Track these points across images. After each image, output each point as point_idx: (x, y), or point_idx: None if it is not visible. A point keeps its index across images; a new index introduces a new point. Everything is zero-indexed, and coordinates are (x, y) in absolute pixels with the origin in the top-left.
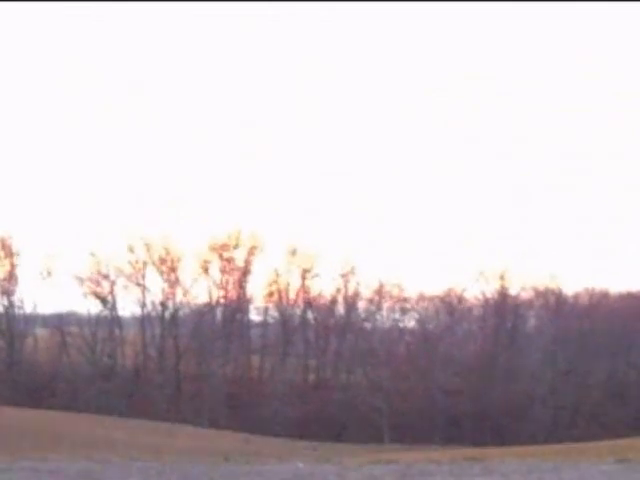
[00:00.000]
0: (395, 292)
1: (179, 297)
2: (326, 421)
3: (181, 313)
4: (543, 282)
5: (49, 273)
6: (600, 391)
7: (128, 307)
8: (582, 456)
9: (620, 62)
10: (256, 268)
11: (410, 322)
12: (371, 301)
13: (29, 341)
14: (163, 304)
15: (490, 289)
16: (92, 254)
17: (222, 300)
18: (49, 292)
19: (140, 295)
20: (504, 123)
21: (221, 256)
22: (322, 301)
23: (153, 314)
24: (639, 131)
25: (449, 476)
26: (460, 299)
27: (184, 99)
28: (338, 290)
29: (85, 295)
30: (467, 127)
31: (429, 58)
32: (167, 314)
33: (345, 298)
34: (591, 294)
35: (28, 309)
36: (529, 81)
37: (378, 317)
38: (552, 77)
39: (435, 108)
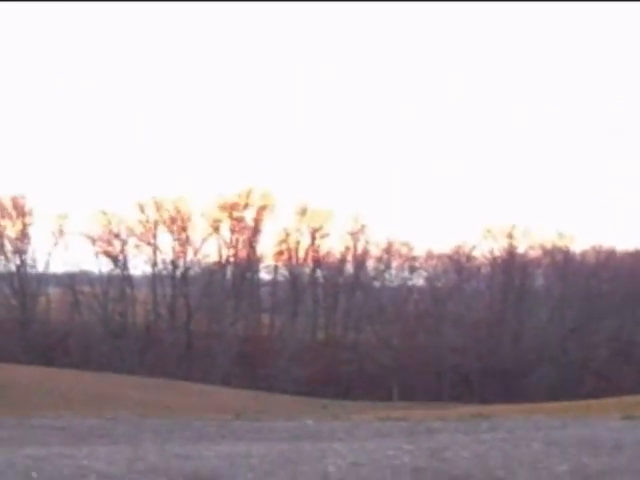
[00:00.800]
0: (404, 251)
1: (190, 256)
2: (335, 379)
3: (192, 272)
4: (551, 240)
5: (61, 232)
6: (607, 349)
7: (139, 266)
8: (589, 413)
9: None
10: (266, 227)
11: (419, 280)
12: (380, 260)
13: (41, 300)
14: (174, 263)
15: (498, 247)
16: (103, 213)
17: (232, 259)
18: (61, 251)
19: (151, 254)
20: (513, 82)
21: (231, 215)
22: (331, 260)
23: (164, 273)
24: None
25: (456, 432)
26: (468, 257)
27: (192, 55)
28: (347, 249)
29: (97, 254)
30: (475, 87)
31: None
32: (178, 273)
33: (354, 257)
34: (598, 252)
35: (40, 268)
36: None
37: (387, 276)
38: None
39: (445, 64)
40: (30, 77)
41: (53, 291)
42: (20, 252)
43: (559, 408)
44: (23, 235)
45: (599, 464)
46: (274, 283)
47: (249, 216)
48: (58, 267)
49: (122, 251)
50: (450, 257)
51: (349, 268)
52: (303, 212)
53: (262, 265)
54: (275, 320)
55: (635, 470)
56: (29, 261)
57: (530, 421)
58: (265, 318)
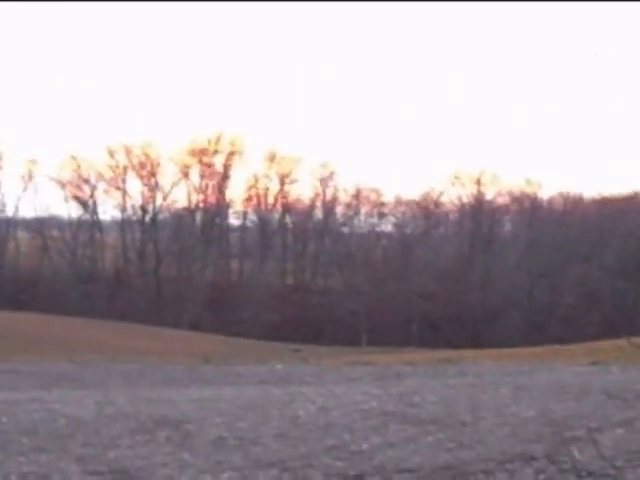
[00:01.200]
0: (372, 197)
1: (159, 201)
2: (304, 324)
3: (161, 217)
4: (519, 187)
5: (30, 177)
6: (573, 294)
7: (108, 211)
8: (556, 358)
9: None
10: (235, 173)
11: (387, 226)
12: (349, 206)
13: (11, 245)
14: (143, 208)
15: (466, 194)
16: (73, 158)
17: (201, 204)
18: (30, 196)
19: (120, 199)
20: (484, 30)
21: (201, 161)
22: (300, 206)
23: (133, 218)
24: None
25: (425, 377)
26: (437, 204)
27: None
28: (316, 195)
29: (66, 199)
30: (445, 35)
31: None
32: (147, 218)
33: (323, 203)
34: (566, 199)
35: (9, 213)
36: None
37: (356, 221)
38: None
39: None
40: None
41: (22, 236)
42: None
43: (526, 353)
44: None
45: (566, 409)
46: (243, 228)
47: (218, 162)
48: (27, 212)
49: (91, 196)
50: (418, 203)
51: (318, 214)
52: (272, 158)
53: (231, 211)
54: (244, 265)
55: (601, 415)
56: None
57: (498, 366)
58: (234, 263)
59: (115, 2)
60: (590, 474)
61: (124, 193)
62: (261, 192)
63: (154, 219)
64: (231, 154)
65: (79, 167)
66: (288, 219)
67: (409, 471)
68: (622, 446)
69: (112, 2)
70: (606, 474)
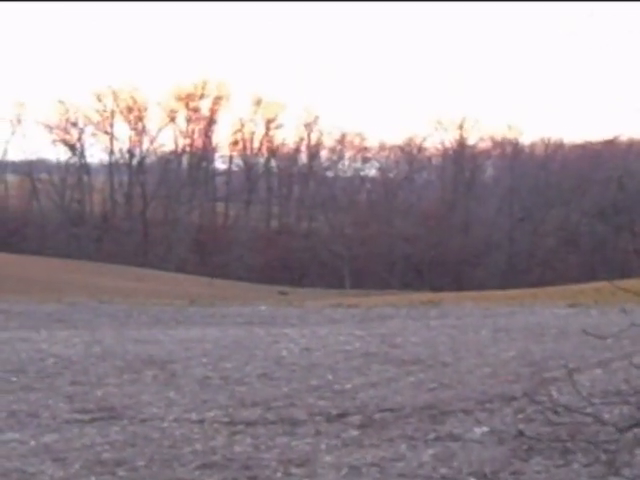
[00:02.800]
0: (357, 142)
1: (146, 145)
2: (288, 267)
3: (148, 161)
4: (501, 132)
5: (19, 121)
6: (553, 238)
7: (96, 155)
8: (536, 301)
9: None
10: (221, 118)
11: (371, 171)
12: (333, 150)
13: (0, 187)
14: (130, 152)
15: (449, 139)
16: (61, 102)
17: (188, 148)
18: (19, 139)
19: (108, 143)
20: None
21: (187, 105)
22: (285, 150)
23: (121, 162)
24: None
25: (407, 319)
26: (420, 148)
27: None
28: (301, 139)
29: (54, 142)
30: None
31: None
32: (134, 162)
33: (308, 147)
34: (547, 144)
35: None
36: None
37: (340, 166)
38: None
39: None
40: None
41: (11, 179)
42: None
43: (507, 296)
44: None
45: (545, 350)
46: (229, 172)
47: (205, 106)
48: (16, 155)
49: (79, 139)
50: (402, 148)
51: (303, 158)
52: (258, 103)
53: (217, 155)
54: (230, 209)
55: (579, 356)
56: None
57: (478, 309)
58: (220, 207)
59: None
60: (568, 412)
61: (112, 137)
62: (247, 136)
63: (141, 163)
64: (217, 99)
65: (67, 111)
66: (273, 163)
67: (391, 410)
68: (599, 386)
69: None
70: (584, 412)
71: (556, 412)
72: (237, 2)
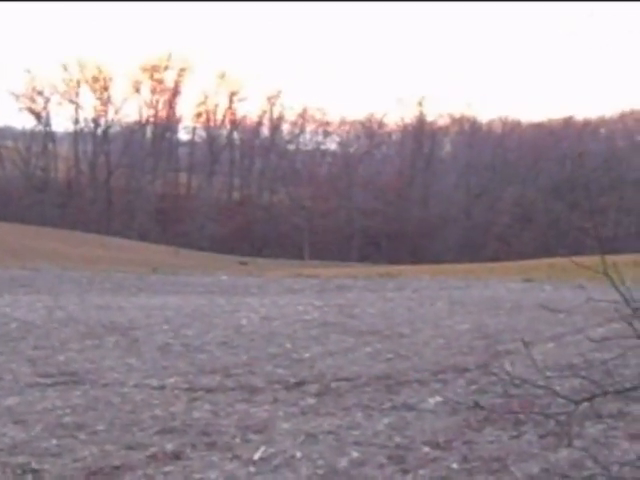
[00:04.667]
0: (318, 116)
1: (111, 115)
2: (249, 237)
3: (112, 130)
4: (459, 110)
5: None
6: (509, 214)
7: (62, 123)
8: (491, 275)
9: None
10: (186, 90)
11: (332, 145)
12: (295, 124)
13: None
14: (95, 121)
15: (409, 115)
16: (27, 71)
17: (152, 119)
18: None
19: (73, 112)
20: None
21: (152, 77)
22: (248, 123)
23: (86, 130)
24: None
25: (365, 291)
26: (380, 124)
27: None
28: (264, 113)
29: (20, 110)
30: None
31: None
32: (99, 131)
33: (270, 121)
34: (504, 123)
35: None
36: None
37: (301, 140)
38: None
39: None
40: None
41: None
42: None
43: (463, 270)
44: None
45: (499, 323)
46: (192, 144)
47: (169, 78)
48: None
49: (45, 108)
50: (362, 123)
51: (265, 131)
52: (222, 76)
53: (181, 126)
54: (192, 179)
55: (532, 329)
56: None
57: (435, 281)
58: (182, 177)
59: None
60: (522, 383)
61: (77, 106)
62: (210, 109)
63: (106, 132)
64: (182, 71)
65: (33, 80)
66: (236, 135)
67: (347, 379)
68: (552, 359)
69: None
70: (537, 385)
71: (511, 384)
72: None
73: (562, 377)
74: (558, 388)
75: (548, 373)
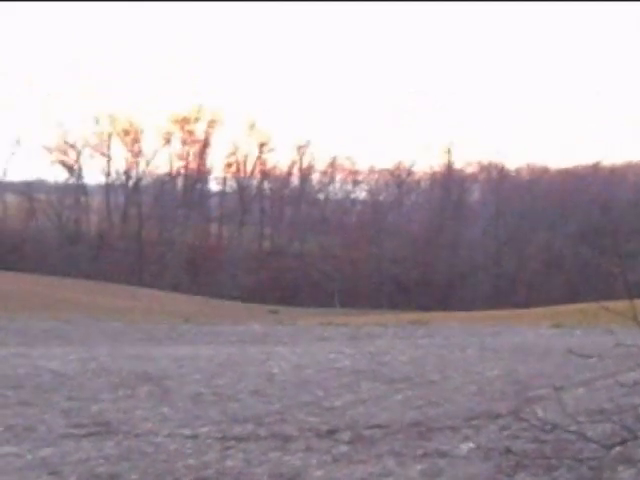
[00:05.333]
0: (347, 165)
1: (142, 167)
2: (280, 286)
3: (144, 182)
4: (487, 157)
5: (18, 142)
6: (538, 261)
7: (93, 176)
8: (521, 321)
9: None
10: (216, 141)
11: (361, 194)
12: (324, 173)
13: None
14: (127, 173)
15: (437, 163)
16: (59, 125)
17: (183, 170)
18: (18, 161)
19: (105, 165)
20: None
21: (183, 128)
22: (278, 173)
23: (117, 183)
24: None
25: (395, 338)
26: (408, 172)
27: None
28: (293, 163)
29: (52, 164)
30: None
31: None
32: (130, 183)
33: (300, 170)
34: (532, 169)
35: None
36: None
37: (331, 189)
38: None
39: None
40: None
41: (10, 199)
42: None
43: (493, 317)
44: None
45: (530, 369)
46: (223, 194)
47: (200, 130)
48: (15, 176)
49: (77, 161)
50: (391, 172)
51: (295, 181)
52: (251, 127)
53: (211, 177)
54: (223, 230)
55: (563, 375)
56: None
57: (465, 328)
58: (214, 228)
59: None
60: (554, 428)
61: (109, 159)
62: (240, 159)
63: (137, 184)
64: (212, 122)
65: (65, 133)
66: (266, 186)
67: (379, 427)
68: (583, 404)
69: None
70: (569, 430)
71: (542, 429)
72: (231, 30)
73: (593, 422)
74: (590, 433)
75: (579, 418)
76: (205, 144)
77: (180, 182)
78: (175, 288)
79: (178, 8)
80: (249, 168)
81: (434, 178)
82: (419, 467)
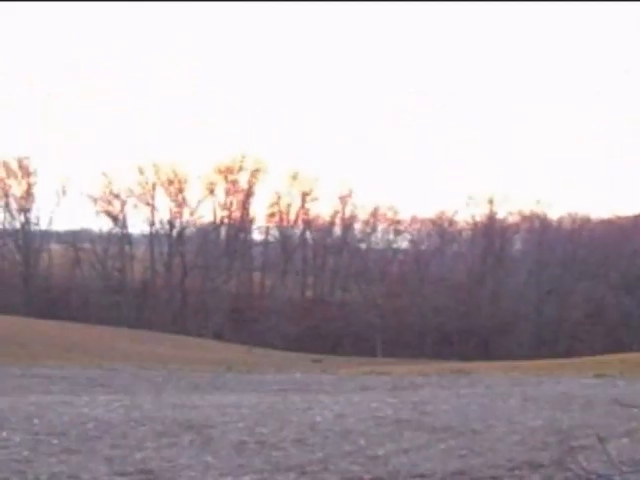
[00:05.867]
0: (389, 215)
1: (186, 216)
2: (322, 335)
3: (187, 232)
4: (529, 207)
5: (64, 192)
6: (580, 310)
7: (138, 225)
8: (563, 371)
9: None
10: (259, 190)
11: (403, 243)
12: (367, 223)
13: (44, 256)
14: (171, 223)
15: (479, 213)
16: (104, 174)
17: (226, 220)
18: (64, 210)
19: (149, 214)
20: (493, 51)
21: (226, 178)
22: (320, 222)
23: (161, 232)
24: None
25: (437, 387)
26: (451, 222)
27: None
28: (336, 212)
29: (97, 213)
30: (458, 58)
31: None
32: (174, 232)
33: (342, 220)
34: (574, 219)
35: (44, 226)
36: None
37: (373, 238)
38: None
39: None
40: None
41: (55, 248)
42: (25, 210)
43: (535, 366)
44: (28, 194)
45: (571, 419)
46: (266, 243)
47: (243, 179)
48: (61, 225)
49: (122, 210)
50: (433, 221)
51: (337, 230)
52: (294, 176)
53: (254, 226)
54: (266, 279)
55: (605, 424)
56: (33, 219)
57: (507, 378)
58: (256, 277)
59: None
60: (598, 479)
61: (153, 208)
62: (283, 209)
63: (181, 233)
64: (255, 172)
65: (110, 183)
66: (308, 235)
67: (422, 476)
68: (626, 454)
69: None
70: (613, 479)
71: (587, 479)
72: (273, 79)
73: (637, 472)
74: None
75: (624, 468)
76: (248, 194)
77: (223, 231)
78: (218, 336)
79: (221, 57)
80: (292, 217)
81: (476, 228)
82: None
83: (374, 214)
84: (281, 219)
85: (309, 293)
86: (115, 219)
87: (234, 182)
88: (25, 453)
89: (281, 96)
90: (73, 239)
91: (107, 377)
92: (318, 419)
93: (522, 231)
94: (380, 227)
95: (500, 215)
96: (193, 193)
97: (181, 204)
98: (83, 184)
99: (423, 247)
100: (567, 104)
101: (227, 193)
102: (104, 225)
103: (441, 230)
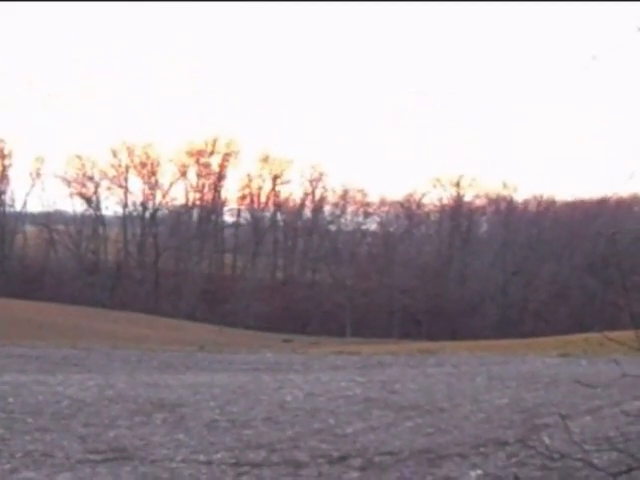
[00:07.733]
0: (359, 197)
1: (158, 199)
2: (292, 316)
3: (160, 214)
4: (495, 190)
5: (38, 174)
6: (545, 291)
7: (111, 207)
8: (528, 350)
9: None
10: (230, 173)
11: (372, 225)
12: (336, 205)
13: (19, 238)
14: (143, 205)
15: (446, 195)
16: (78, 157)
17: (198, 202)
18: (38, 192)
19: (122, 196)
20: (466, 37)
21: (198, 161)
22: (291, 205)
23: (134, 214)
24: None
25: (405, 367)
26: (418, 204)
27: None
28: (306, 195)
29: (71, 195)
30: (427, 38)
31: None
32: (147, 214)
33: (312, 202)
34: (539, 201)
35: (18, 208)
36: None
37: (342, 220)
38: None
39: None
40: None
41: (30, 229)
42: (0, 192)
43: (501, 346)
44: (2, 176)
45: (536, 397)
46: (237, 225)
47: (215, 162)
48: (35, 207)
49: (95, 193)
50: (402, 204)
51: (307, 213)
52: (265, 159)
53: (226, 208)
54: (237, 260)
55: (569, 403)
56: (8, 201)
57: (474, 357)
58: (228, 258)
59: (118, 2)
60: (561, 456)
61: (126, 190)
62: (254, 191)
63: (154, 215)
64: (227, 155)
65: (84, 166)
66: (279, 217)
67: (390, 454)
68: (589, 432)
69: (115, 2)
70: (576, 458)
71: (550, 457)
72: (245, 62)
73: (600, 450)
74: (596, 461)
75: (586, 446)
76: (220, 176)
77: (195, 214)
78: (190, 317)
79: (193, 39)
80: (263, 200)
81: (443, 210)
82: None
83: (344, 196)
84: (252, 201)
85: (280, 274)
86: (89, 201)
87: (206, 165)
88: (0, 431)
89: (253, 76)
90: (47, 221)
91: (81, 356)
92: (288, 398)
93: (488, 213)
94: (350, 209)
95: (467, 197)
96: (166, 176)
97: (154, 186)
98: (57, 166)
99: (392, 229)
100: (533, 85)
101: (199, 176)
102: (78, 207)
103: (409, 212)
